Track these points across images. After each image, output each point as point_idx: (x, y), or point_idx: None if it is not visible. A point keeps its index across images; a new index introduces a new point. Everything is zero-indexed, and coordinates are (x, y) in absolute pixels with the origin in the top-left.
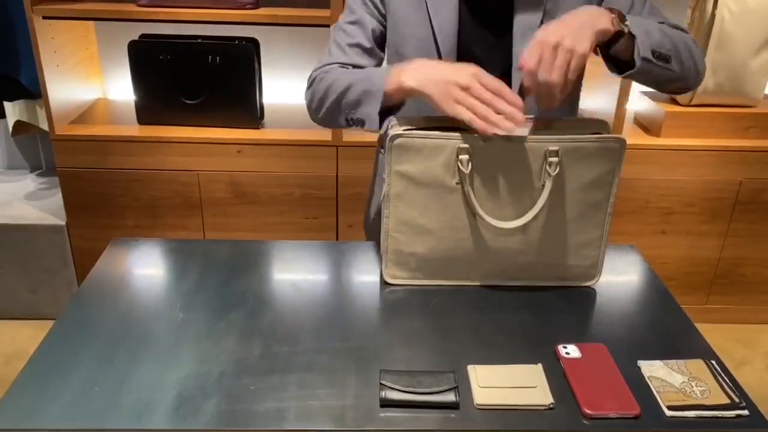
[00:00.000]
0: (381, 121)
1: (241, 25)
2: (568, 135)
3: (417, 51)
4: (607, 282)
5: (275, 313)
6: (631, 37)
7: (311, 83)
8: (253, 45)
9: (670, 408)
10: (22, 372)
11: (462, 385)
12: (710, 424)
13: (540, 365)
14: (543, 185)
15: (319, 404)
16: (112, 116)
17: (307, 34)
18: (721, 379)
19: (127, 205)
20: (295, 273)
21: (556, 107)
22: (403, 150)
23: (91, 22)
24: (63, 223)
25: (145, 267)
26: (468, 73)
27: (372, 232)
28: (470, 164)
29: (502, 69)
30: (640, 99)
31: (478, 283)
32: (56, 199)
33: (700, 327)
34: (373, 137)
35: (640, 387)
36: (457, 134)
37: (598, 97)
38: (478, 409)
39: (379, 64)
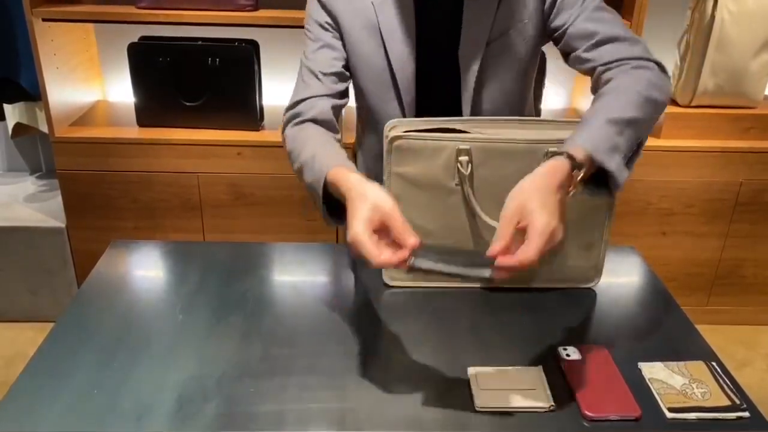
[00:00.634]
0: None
1: (240, 27)
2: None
3: (373, 83)
4: (608, 284)
5: (275, 315)
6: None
7: (284, 127)
8: (252, 47)
9: (670, 410)
10: (21, 374)
11: (462, 389)
12: (711, 426)
13: (540, 367)
14: None
15: (319, 407)
16: (112, 118)
17: None
18: (721, 381)
19: (127, 207)
20: (295, 275)
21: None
22: (402, 152)
23: (91, 25)
24: (63, 225)
25: (145, 269)
26: (348, 238)
27: None
28: (470, 165)
29: (454, 95)
30: None
31: (478, 285)
32: (56, 201)
33: (701, 328)
34: None
35: (640, 389)
36: (456, 135)
37: None
38: (479, 411)
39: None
